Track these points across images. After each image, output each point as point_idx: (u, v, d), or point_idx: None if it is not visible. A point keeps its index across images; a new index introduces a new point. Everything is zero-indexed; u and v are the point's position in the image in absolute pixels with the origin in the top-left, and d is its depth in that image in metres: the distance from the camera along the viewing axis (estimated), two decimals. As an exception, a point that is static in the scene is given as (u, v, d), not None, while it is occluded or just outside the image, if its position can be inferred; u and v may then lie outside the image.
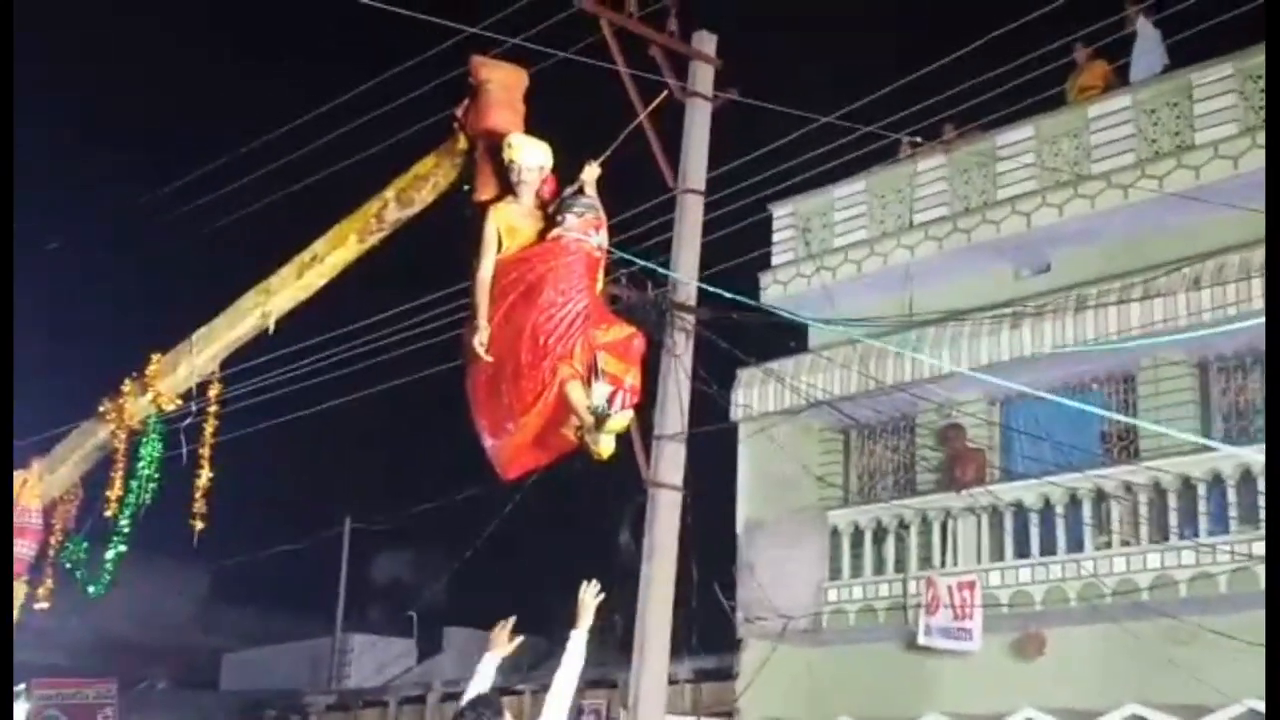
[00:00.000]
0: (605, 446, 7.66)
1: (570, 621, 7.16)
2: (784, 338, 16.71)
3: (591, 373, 7.83)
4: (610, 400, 7.88)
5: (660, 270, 14.33)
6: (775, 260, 17.46)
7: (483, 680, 7.21)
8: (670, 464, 15.16)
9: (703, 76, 16.30)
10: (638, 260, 13.78)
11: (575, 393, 7.78)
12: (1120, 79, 15.74)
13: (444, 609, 26.28)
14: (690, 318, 15.15)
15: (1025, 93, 15.64)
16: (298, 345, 17.07)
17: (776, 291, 17.21)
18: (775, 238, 17.56)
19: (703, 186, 15.98)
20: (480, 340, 8.02)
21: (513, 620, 7.45)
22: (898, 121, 16.31)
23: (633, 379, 8.06)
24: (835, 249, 16.93)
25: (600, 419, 7.61)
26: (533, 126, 9.19)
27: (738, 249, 17.52)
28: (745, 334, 15.39)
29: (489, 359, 8.00)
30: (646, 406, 15.48)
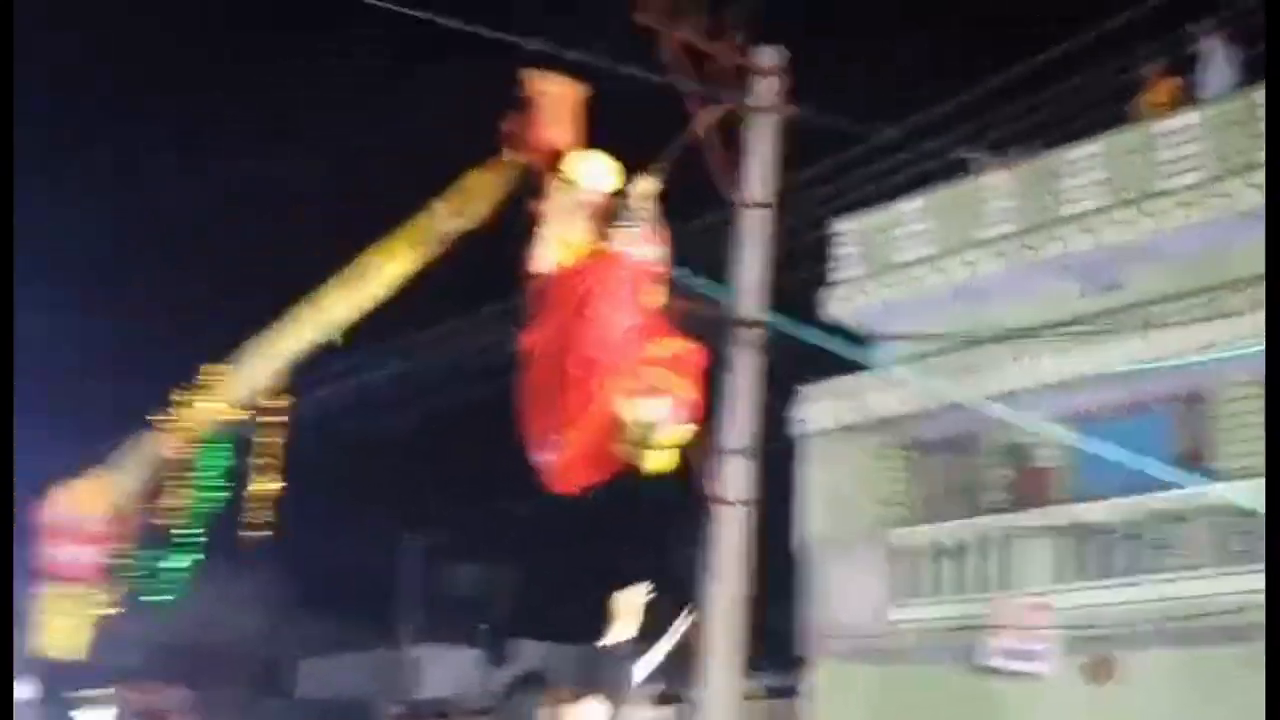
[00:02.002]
0: (654, 462, 7.61)
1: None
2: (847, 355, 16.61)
3: (643, 388, 7.80)
4: (666, 415, 7.85)
5: (714, 289, 14.26)
6: (838, 276, 17.38)
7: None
8: (734, 480, 15.11)
9: (766, 90, 16.29)
10: (694, 279, 13.74)
11: (625, 407, 7.76)
12: (1189, 96, 15.55)
13: (513, 621, 26.37)
14: (753, 333, 15.12)
15: (1092, 109, 15.53)
16: (365, 356, 17.19)
17: (840, 307, 17.14)
18: (838, 253, 17.48)
19: (766, 200, 15.94)
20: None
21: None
22: (962, 137, 16.24)
23: (688, 393, 8.03)
24: (898, 265, 16.83)
25: (648, 434, 7.57)
26: (589, 141, 9.23)
27: (801, 264, 17.48)
28: (808, 350, 15.29)
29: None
30: (709, 422, 15.47)
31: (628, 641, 6.78)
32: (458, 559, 29.02)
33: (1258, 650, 12.85)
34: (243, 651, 28.23)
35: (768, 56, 16.33)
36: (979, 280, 16.15)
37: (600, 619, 7.48)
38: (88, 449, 11.67)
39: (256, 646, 28.50)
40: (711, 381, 15.26)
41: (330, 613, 29.26)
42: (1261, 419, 14.33)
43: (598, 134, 9.41)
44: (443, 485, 27.22)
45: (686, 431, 7.81)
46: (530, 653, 25.66)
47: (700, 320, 14.95)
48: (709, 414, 15.14)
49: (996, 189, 16.32)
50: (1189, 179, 14.65)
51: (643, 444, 7.62)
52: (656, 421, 7.65)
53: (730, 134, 15.99)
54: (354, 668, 26.97)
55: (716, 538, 14.73)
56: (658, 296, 8.47)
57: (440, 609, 28.39)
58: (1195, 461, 14.63)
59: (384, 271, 9.68)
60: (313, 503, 26.32)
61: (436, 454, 26.60)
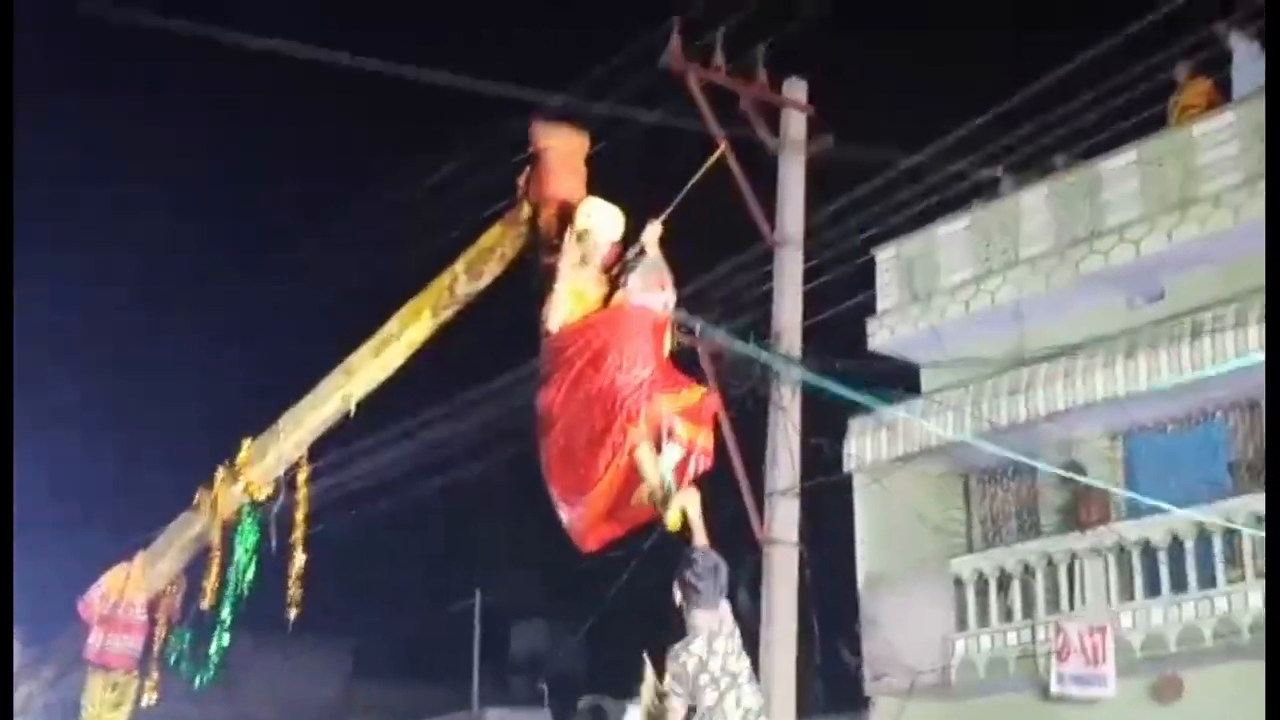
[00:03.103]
0: (674, 518, 7.46)
1: None
2: (895, 385, 16.40)
3: (661, 437, 7.67)
4: (683, 464, 7.73)
5: (741, 344, 14.06)
6: (881, 305, 17.15)
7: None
8: (784, 520, 14.92)
9: (795, 125, 16.17)
10: (722, 322, 13.58)
11: (645, 457, 7.63)
12: (1224, 95, 15.25)
13: (579, 677, 26.15)
14: (793, 370, 14.94)
15: (1125, 116, 15.31)
16: (404, 425, 17.17)
17: (884, 337, 16.91)
18: (879, 282, 17.25)
19: (800, 236, 15.80)
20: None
21: None
22: (996, 153, 16.05)
23: (705, 440, 7.90)
24: (941, 290, 16.58)
25: (665, 495, 7.45)
26: (607, 191, 9.11)
27: (843, 295, 17.28)
28: (855, 383, 15.09)
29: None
30: (756, 463, 15.30)
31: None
32: (516, 619, 28.89)
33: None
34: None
35: (794, 91, 16.24)
36: (1023, 300, 15.88)
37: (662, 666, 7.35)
38: (132, 535, 11.68)
39: (327, 719, 28.41)
40: (759, 423, 15.24)
41: (399, 680, 29.19)
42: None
43: (619, 183, 9.30)
44: (504, 542, 27.21)
45: (693, 497, 7.59)
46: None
47: (737, 361, 14.91)
48: (756, 455, 15.09)
49: (1034, 206, 16.07)
50: (1230, 180, 14.33)
51: (662, 494, 7.47)
52: (674, 470, 7.51)
53: (760, 172, 15.92)
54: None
55: (769, 579, 14.56)
56: (671, 343, 8.32)
57: (506, 668, 28.26)
58: (1255, 470, 14.29)
59: (406, 337, 9.58)
60: (377, 570, 26.41)
61: (497, 511, 26.62)
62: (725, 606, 6.88)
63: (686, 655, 6.66)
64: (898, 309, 16.96)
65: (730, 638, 6.74)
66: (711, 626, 6.71)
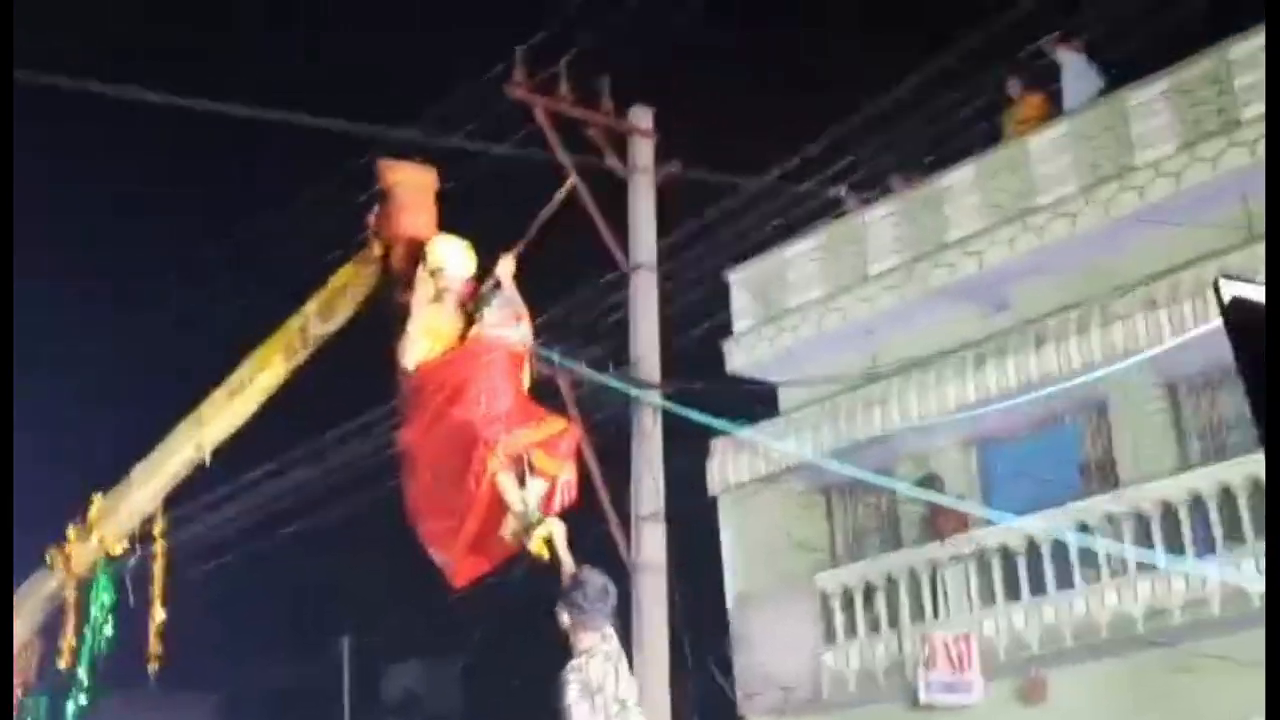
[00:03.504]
0: (537, 545, 7.47)
1: None
2: (754, 405, 16.57)
3: (522, 471, 7.66)
4: (547, 498, 7.73)
5: (595, 375, 14.07)
6: (736, 327, 17.31)
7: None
8: (651, 544, 14.95)
9: (642, 152, 16.26)
10: (558, 360, 13.57)
11: (507, 485, 7.61)
12: (1057, 108, 15.68)
13: (456, 714, 25.92)
14: (653, 395, 14.99)
15: (962, 132, 15.68)
16: (265, 469, 16.91)
17: (741, 358, 17.06)
18: (734, 303, 17.41)
19: (654, 261, 15.88)
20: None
21: None
22: (841, 171, 16.34)
23: (567, 474, 7.90)
24: (794, 309, 16.77)
25: (528, 526, 7.45)
26: (456, 226, 9.09)
27: (701, 318, 17.44)
28: (714, 405, 15.21)
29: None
30: (622, 489, 15.33)
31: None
32: (391, 660, 28.52)
33: (1179, 654, 12.87)
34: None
35: (640, 118, 16.34)
36: (875, 315, 16.11)
37: (538, 705, 7.33)
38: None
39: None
40: (623, 449, 15.27)
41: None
42: (1165, 420, 14.42)
43: (471, 216, 9.28)
44: (372, 584, 26.82)
45: (557, 525, 7.59)
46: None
47: (597, 389, 14.94)
48: (620, 481, 15.12)
49: (879, 223, 16.34)
50: (1065, 190, 14.72)
51: (526, 529, 7.47)
52: (537, 505, 7.51)
53: (610, 200, 15.97)
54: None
55: (639, 604, 14.57)
56: (528, 376, 8.31)
57: (381, 712, 27.87)
58: (1104, 470, 14.68)
59: (259, 382, 9.45)
60: (240, 619, 25.86)
61: (362, 554, 26.25)
62: (611, 631, 6.89)
63: (586, 671, 6.65)
64: (753, 330, 17.12)
65: (621, 662, 6.77)
66: (605, 648, 6.72)
